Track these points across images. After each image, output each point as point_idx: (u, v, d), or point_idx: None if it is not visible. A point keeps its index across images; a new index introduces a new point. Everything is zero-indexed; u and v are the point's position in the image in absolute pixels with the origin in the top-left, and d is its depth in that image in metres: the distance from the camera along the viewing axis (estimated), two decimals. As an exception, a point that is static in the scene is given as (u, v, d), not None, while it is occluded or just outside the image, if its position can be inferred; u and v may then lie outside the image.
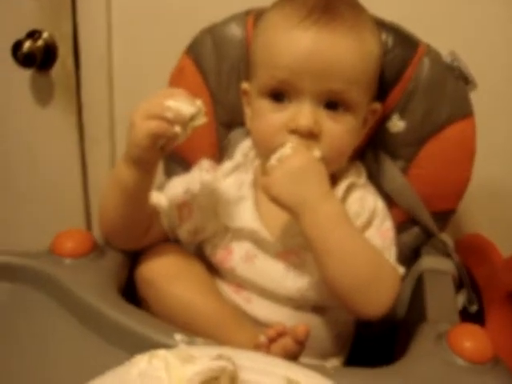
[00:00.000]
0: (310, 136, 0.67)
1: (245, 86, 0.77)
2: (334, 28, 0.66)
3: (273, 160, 0.66)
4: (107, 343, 0.59)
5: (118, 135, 1.25)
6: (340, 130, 0.69)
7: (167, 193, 0.78)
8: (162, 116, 0.62)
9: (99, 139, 1.26)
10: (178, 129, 0.62)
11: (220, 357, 0.50)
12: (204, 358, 0.50)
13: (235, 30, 0.84)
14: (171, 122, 0.62)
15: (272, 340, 0.61)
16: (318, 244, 0.65)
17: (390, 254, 0.74)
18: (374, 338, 0.87)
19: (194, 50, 0.86)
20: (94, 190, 1.34)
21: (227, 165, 0.80)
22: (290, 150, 0.65)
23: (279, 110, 0.69)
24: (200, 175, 0.78)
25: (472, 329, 0.62)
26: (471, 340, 0.59)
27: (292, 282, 0.73)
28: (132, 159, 0.65)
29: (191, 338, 0.57)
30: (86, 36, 1.16)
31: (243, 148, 0.81)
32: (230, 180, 0.78)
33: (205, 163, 0.81)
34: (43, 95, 1.25)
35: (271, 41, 0.70)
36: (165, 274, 0.72)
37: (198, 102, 0.64)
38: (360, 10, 0.72)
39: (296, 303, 0.74)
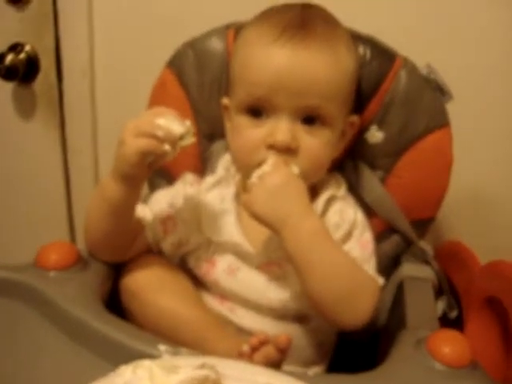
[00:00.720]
0: (288, 151, 0.69)
1: (225, 101, 0.78)
2: (308, 44, 0.67)
3: (253, 177, 0.67)
4: (92, 355, 0.59)
5: (101, 147, 1.26)
6: (317, 144, 0.70)
7: (152, 206, 0.79)
8: (153, 134, 0.63)
9: (82, 151, 1.26)
10: (167, 147, 0.63)
11: (203, 366, 0.51)
12: (187, 367, 0.51)
13: (216, 44, 0.86)
14: (161, 140, 0.63)
15: (254, 349, 0.62)
16: (299, 259, 0.67)
17: (370, 266, 0.75)
18: (356, 345, 0.88)
19: (175, 64, 0.87)
20: (77, 202, 1.34)
21: (209, 179, 0.81)
22: (270, 168, 0.67)
23: (257, 125, 0.70)
24: (184, 189, 0.79)
25: (450, 334, 0.63)
26: (450, 345, 0.61)
27: (274, 293, 0.74)
28: (120, 175, 0.66)
29: (175, 349, 0.58)
30: (68, 49, 1.17)
31: (224, 162, 0.82)
32: (213, 194, 0.79)
33: (188, 177, 0.82)
34: (26, 108, 1.26)
35: (248, 58, 0.71)
36: (149, 284, 0.72)
37: (188, 123, 0.66)
38: (334, 26, 0.74)
39: (278, 313, 0.75)
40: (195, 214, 0.77)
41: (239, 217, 0.77)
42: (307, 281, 0.67)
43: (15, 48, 1.18)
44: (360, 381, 0.59)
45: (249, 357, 0.62)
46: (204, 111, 0.86)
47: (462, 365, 0.60)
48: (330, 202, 0.77)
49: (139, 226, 0.75)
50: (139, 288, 0.72)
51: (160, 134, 0.63)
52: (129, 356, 0.54)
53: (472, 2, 0.94)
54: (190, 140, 0.65)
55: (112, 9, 1.11)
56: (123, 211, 0.70)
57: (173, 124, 0.64)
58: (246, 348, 0.62)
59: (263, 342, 0.62)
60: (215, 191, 0.79)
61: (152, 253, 0.78)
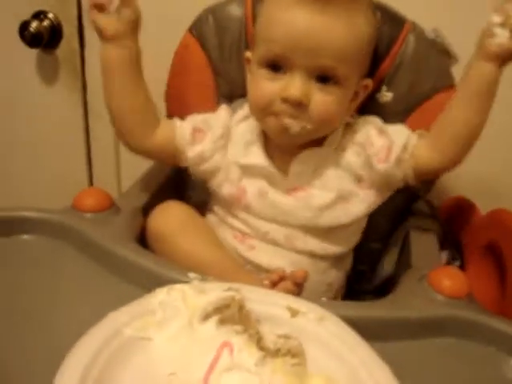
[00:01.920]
0: (300, 105, 0.74)
1: (248, 54, 0.83)
2: (327, 9, 0.71)
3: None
4: (129, 285, 0.65)
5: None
6: (329, 102, 0.75)
7: (187, 119, 0.86)
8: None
9: (102, 114, 1.30)
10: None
11: (229, 288, 0.58)
12: (215, 290, 0.57)
13: (235, 9, 0.90)
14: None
15: (274, 283, 0.69)
16: (486, 91, 0.73)
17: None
18: (366, 293, 0.95)
19: (196, 28, 0.91)
20: (97, 163, 1.40)
21: (240, 113, 0.87)
22: None
23: (275, 79, 0.75)
24: (219, 114, 0.87)
25: (450, 270, 0.70)
26: (449, 279, 0.68)
27: (301, 211, 0.81)
28: (102, 40, 0.77)
29: (203, 276, 0.64)
30: (91, 17, 1.22)
31: None
32: (243, 125, 0.86)
33: (224, 107, 0.88)
34: (49, 73, 1.30)
35: (271, 16, 0.76)
36: (172, 229, 0.79)
37: None
38: None
39: (302, 232, 0.82)
40: (224, 136, 0.85)
41: (266, 147, 0.83)
42: (481, 115, 0.74)
43: (38, 16, 1.22)
44: (368, 306, 0.65)
45: (269, 289, 0.69)
46: (224, 73, 0.91)
47: (460, 296, 0.66)
48: (348, 124, 0.83)
49: (151, 107, 0.84)
50: (164, 232, 0.78)
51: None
52: (162, 284, 0.60)
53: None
54: None
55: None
56: (124, 71, 0.79)
57: None
58: (266, 282, 0.69)
59: (282, 277, 0.69)
60: (244, 123, 0.86)
61: (175, 200, 0.85)
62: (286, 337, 0.54)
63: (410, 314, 0.64)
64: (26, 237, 0.71)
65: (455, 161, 0.79)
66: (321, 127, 0.77)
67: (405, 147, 0.79)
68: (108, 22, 0.75)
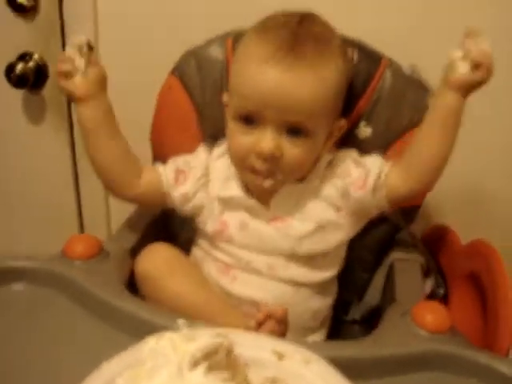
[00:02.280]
0: (272, 158, 0.77)
1: (225, 98, 0.86)
2: (296, 68, 0.74)
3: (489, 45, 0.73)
4: (118, 331, 0.67)
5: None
6: (300, 153, 0.78)
7: (169, 163, 0.90)
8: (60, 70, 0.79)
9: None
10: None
11: (218, 334, 0.59)
12: (204, 336, 0.59)
13: (216, 51, 0.93)
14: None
15: (260, 323, 0.71)
16: (451, 121, 0.77)
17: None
18: (354, 323, 0.97)
19: (179, 70, 0.94)
20: (86, 201, 1.41)
21: (217, 150, 0.91)
22: None
23: (248, 133, 0.79)
24: (198, 154, 0.91)
25: (432, 305, 0.72)
26: (431, 314, 0.70)
27: (282, 241, 0.84)
28: (73, 101, 0.81)
29: (192, 322, 0.65)
30: (75, 57, 1.24)
31: None
32: (221, 161, 0.89)
33: (202, 147, 0.92)
34: (35, 113, 1.31)
35: (243, 72, 0.79)
36: (159, 271, 0.80)
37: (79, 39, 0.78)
38: (326, 44, 0.79)
39: (286, 258, 0.85)
40: (205, 175, 0.88)
41: (244, 180, 0.86)
42: (447, 142, 0.78)
43: (24, 57, 1.24)
44: (352, 346, 0.67)
45: (255, 331, 0.70)
46: (207, 113, 0.93)
47: (443, 330, 0.68)
48: (330, 161, 0.87)
49: (131, 158, 0.88)
50: (151, 275, 0.80)
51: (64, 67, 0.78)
52: (151, 331, 0.61)
53: (454, 6, 1.01)
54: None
55: (116, 17, 1.17)
56: (100, 131, 0.83)
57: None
58: (252, 323, 0.71)
59: (268, 316, 0.71)
60: (222, 159, 0.89)
61: (161, 242, 0.86)
62: (274, 380, 0.56)
63: (393, 350, 0.66)
64: (16, 286, 0.72)
65: (425, 186, 0.84)
66: (292, 176, 0.82)
67: (379, 176, 0.82)
68: (77, 86, 0.79)
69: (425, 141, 0.79)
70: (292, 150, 0.77)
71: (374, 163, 0.84)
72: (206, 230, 0.88)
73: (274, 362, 0.60)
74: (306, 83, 0.75)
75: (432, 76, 0.89)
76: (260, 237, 0.85)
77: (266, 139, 0.76)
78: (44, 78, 1.27)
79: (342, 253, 0.91)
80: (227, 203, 0.87)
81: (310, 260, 0.85)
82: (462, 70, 0.74)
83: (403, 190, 0.82)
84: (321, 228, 0.84)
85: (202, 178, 0.88)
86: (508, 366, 0.64)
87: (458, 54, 0.74)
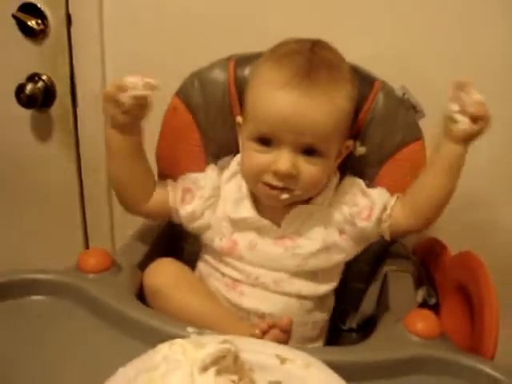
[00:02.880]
0: (290, 177, 0.82)
1: (239, 119, 0.91)
2: (310, 93, 0.79)
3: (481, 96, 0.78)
4: (130, 340, 0.72)
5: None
6: (315, 171, 0.83)
7: (180, 179, 0.95)
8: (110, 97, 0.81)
9: (96, 169, 1.39)
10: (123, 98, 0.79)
11: (225, 341, 0.64)
12: (212, 343, 0.64)
13: (218, 74, 0.98)
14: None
15: (264, 332, 0.76)
16: (456, 168, 0.83)
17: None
18: (350, 331, 1.02)
19: (183, 92, 0.99)
20: (91, 216, 1.46)
21: (226, 173, 0.95)
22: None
23: (265, 152, 0.83)
24: (207, 174, 0.95)
25: (423, 313, 0.77)
26: (422, 321, 0.75)
27: (289, 260, 0.89)
28: (111, 126, 0.84)
29: (200, 330, 0.71)
30: (82, 77, 1.28)
31: (237, 158, 0.95)
32: (232, 183, 0.93)
33: (212, 167, 0.96)
34: (43, 131, 1.37)
35: (260, 98, 0.84)
36: (167, 283, 0.85)
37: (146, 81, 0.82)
38: (337, 71, 0.85)
39: (291, 276, 0.90)
40: (214, 195, 0.92)
41: (255, 201, 0.91)
42: (449, 186, 0.84)
43: (33, 78, 1.29)
44: (349, 351, 0.72)
45: (260, 339, 0.75)
46: (210, 133, 0.98)
47: (433, 336, 0.74)
48: (337, 185, 0.92)
49: (151, 178, 0.92)
50: (159, 288, 0.85)
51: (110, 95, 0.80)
52: (164, 338, 0.66)
53: (440, 32, 1.07)
54: (142, 92, 0.80)
55: (122, 40, 1.23)
56: (128, 152, 0.86)
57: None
58: (257, 332, 0.76)
59: (271, 326, 0.76)
60: (233, 181, 0.93)
61: (168, 257, 0.91)
62: (277, 383, 0.61)
63: (387, 355, 0.71)
64: (35, 297, 0.78)
65: (426, 223, 0.90)
66: (308, 192, 0.87)
67: (384, 208, 0.88)
68: (118, 114, 0.82)
69: (427, 184, 0.86)
70: (308, 168, 0.83)
71: (380, 196, 0.90)
72: (213, 246, 0.93)
73: (277, 366, 0.65)
74: (321, 108, 0.80)
75: (421, 97, 0.95)
76: (268, 255, 0.89)
77: (282, 159, 0.81)
78: (52, 98, 1.32)
79: (342, 268, 0.96)
80: (238, 224, 0.91)
81: (312, 275, 0.91)
82: (463, 125, 0.78)
83: (404, 225, 0.88)
84: (326, 249, 0.90)
85: (211, 198, 0.92)
86: (493, 368, 0.69)
87: (455, 107, 0.79)
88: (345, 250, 0.91)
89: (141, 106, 0.80)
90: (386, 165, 0.95)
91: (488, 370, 0.69)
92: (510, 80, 1.08)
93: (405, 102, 0.95)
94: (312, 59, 0.83)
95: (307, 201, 0.90)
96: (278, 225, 0.90)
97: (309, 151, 0.82)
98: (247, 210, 0.90)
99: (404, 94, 0.96)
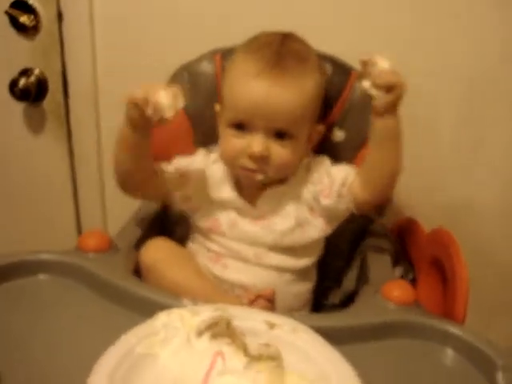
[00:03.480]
0: (262, 159, 0.89)
1: (217, 108, 0.98)
2: (280, 82, 0.87)
3: (388, 65, 0.80)
4: (130, 312, 0.77)
5: (106, 157, 1.42)
6: (285, 153, 0.90)
7: (173, 164, 1.00)
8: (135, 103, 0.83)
9: (88, 160, 1.44)
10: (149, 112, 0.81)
11: (218, 309, 0.71)
12: (206, 311, 0.70)
13: (206, 66, 1.04)
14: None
15: (251, 302, 0.83)
16: (395, 131, 0.86)
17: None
18: (333, 307, 1.08)
19: (173, 83, 1.04)
20: (84, 205, 1.50)
21: (212, 155, 1.02)
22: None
23: (240, 137, 0.90)
24: (196, 158, 1.01)
25: (399, 283, 0.85)
26: (398, 290, 0.82)
27: (266, 236, 0.95)
28: (128, 124, 0.87)
29: (194, 301, 0.77)
30: (74, 71, 1.33)
31: None
32: (215, 167, 1.00)
33: (201, 151, 1.03)
34: (36, 124, 1.41)
35: (234, 87, 0.91)
36: (160, 261, 0.91)
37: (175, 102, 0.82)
38: (305, 60, 0.91)
39: (270, 250, 0.96)
40: (203, 179, 0.99)
41: (236, 184, 0.98)
42: (392, 158, 0.88)
43: (26, 72, 1.33)
44: (332, 317, 0.79)
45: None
46: (199, 123, 1.04)
47: (408, 303, 0.81)
48: (308, 166, 0.98)
49: (154, 168, 0.96)
50: (154, 264, 0.91)
51: (140, 102, 0.81)
52: (161, 310, 0.72)
53: (415, 22, 1.14)
54: (170, 112, 0.81)
55: (113, 36, 1.28)
56: (138, 149, 0.90)
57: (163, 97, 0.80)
58: (245, 302, 0.83)
59: (257, 296, 0.83)
60: (217, 165, 1.00)
61: (161, 237, 0.97)
62: (266, 345, 0.67)
63: (366, 320, 0.78)
64: (41, 276, 0.83)
65: (381, 195, 0.95)
66: (281, 172, 0.94)
67: (343, 184, 0.94)
68: (137, 118, 0.84)
69: (372, 159, 0.91)
70: (279, 150, 0.90)
71: (338, 172, 0.96)
72: (200, 225, 1.00)
73: (266, 331, 0.71)
74: (290, 95, 0.87)
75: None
76: (247, 233, 0.96)
77: (255, 142, 0.88)
78: (44, 92, 1.36)
79: (321, 244, 1.02)
80: (220, 204, 0.98)
81: (290, 250, 0.97)
82: (379, 99, 0.82)
83: (362, 199, 0.93)
84: (299, 225, 0.96)
85: (201, 181, 0.99)
86: (462, 330, 0.76)
87: (367, 83, 0.82)
88: (317, 226, 0.98)
89: (161, 121, 0.83)
90: (362, 150, 1.01)
91: (458, 332, 0.76)
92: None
93: (380, 90, 1.01)
94: (281, 51, 0.90)
95: (282, 181, 0.97)
96: (255, 205, 0.97)
97: (280, 135, 0.89)
98: (228, 192, 0.97)
99: (379, 82, 1.02)
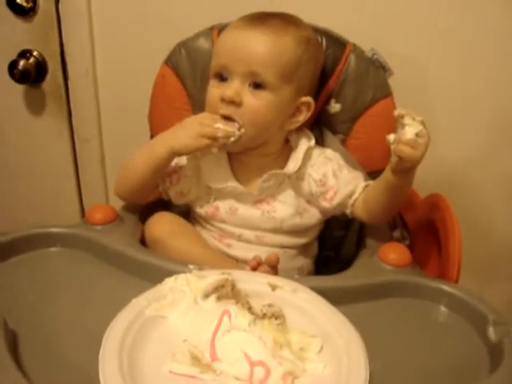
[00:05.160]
0: (233, 103, 0.90)
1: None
2: (259, 30, 0.90)
3: (412, 134, 0.81)
4: (138, 279, 0.81)
5: (105, 136, 1.46)
6: (258, 103, 0.91)
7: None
8: (215, 137, 0.88)
9: (88, 139, 1.46)
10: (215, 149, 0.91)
11: (223, 273, 0.74)
12: (212, 275, 0.74)
13: (203, 42, 1.06)
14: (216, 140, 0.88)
15: (254, 268, 0.86)
16: (404, 188, 0.90)
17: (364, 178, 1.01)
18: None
19: (171, 60, 1.07)
20: (85, 185, 1.54)
21: None
22: (422, 127, 0.81)
23: (219, 86, 0.93)
24: None
25: (395, 245, 0.88)
26: (394, 252, 0.86)
27: (266, 223, 0.98)
28: (173, 152, 0.91)
29: (200, 267, 0.80)
30: (72, 52, 1.36)
31: None
32: (210, 156, 0.99)
33: None
34: (36, 105, 1.44)
35: (221, 38, 0.96)
36: (165, 232, 0.95)
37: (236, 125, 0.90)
38: (289, 24, 0.93)
39: (269, 238, 0.99)
40: (196, 171, 1.01)
41: (233, 170, 0.99)
42: (394, 202, 0.92)
43: (24, 54, 1.36)
44: (331, 278, 0.83)
45: (251, 274, 0.85)
46: (197, 97, 1.06)
47: (404, 264, 0.84)
48: (308, 151, 0.99)
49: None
50: (159, 236, 0.94)
51: (220, 135, 0.88)
52: (167, 276, 0.76)
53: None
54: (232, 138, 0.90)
55: (110, 16, 1.30)
56: (163, 169, 0.95)
57: (227, 126, 0.89)
58: (247, 268, 0.86)
59: (260, 262, 0.86)
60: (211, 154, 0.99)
61: (166, 210, 1.01)
62: (270, 305, 0.71)
63: (364, 281, 0.82)
64: (52, 248, 0.87)
65: (380, 220, 0.99)
66: (254, 127, 0.92)
67: (349, 196, 0.97)
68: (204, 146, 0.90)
69: (375, 194, 0.94)
70: (251, 100, 0.91)
71: (347, 183, 0.97)
72: (200, 212, 1.02)
73: (269, 292, 0.75)
74: (265, 41, 0.90)
75: (390, 57, 1.04)
76: (247, 219, 0.98)
77: (229, 87, 0.91)
78: (44, 73, 1.39)
79: (320, 224, 1.05)
80: (218, 192, 0.99)
81: (291, 232, 1.00)
82: (392, 158, 0.84)
83: (359, 216, 0.98)
84: (298, 214, 0.99)
85: (194, 175, 1.01)
86: (454, 288, 0.80)
87: (391, 138, 0.84)
88: (315, 215, 1.01)
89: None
90: (359, 120, 1.04)
91: (451, 289, 0.80)
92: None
93: (374, 62, 1.03)
94: (269, 13, 0.95)
95: (265, 152, 0.98)
96: (254, 190, 0.98)
97: (256, 85, 0.91)
98: (225, 180, 0.98)
99: (373, 54, 1.04)
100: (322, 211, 1.01)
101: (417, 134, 0.80)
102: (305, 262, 1.04)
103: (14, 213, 1.59)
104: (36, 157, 1.51)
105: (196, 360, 0.63)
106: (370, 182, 0.98)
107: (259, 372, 0.62)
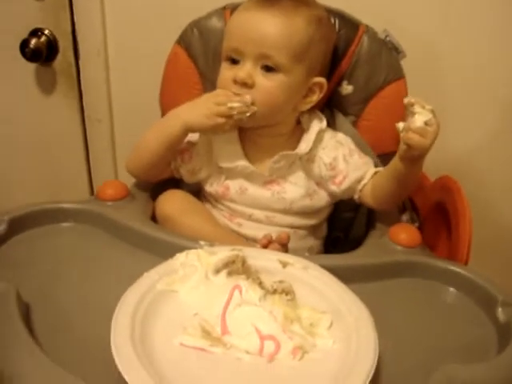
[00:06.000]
0: (245, 85, 0.91)
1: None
2: (270, 12, 0.90)
3: (421, 122, 0.81)
4: (149, 254, 0.81)
5: (116, 116, 1.46)
6: (270, 84, 0.91)
7: None
8: (230, 115, 0.90)
9: (99, 119, 1.47)
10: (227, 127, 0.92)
11: (234, 249, 0.75)
12: (223, 251, 0.74)
13: (215, 22, 1.06)
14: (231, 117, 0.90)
15: (264, 246, 0.86)
16: (413, 175, 0.91)
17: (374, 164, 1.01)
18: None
19: (184, 40, 1.07)
20: (95, 165, 1.55)
21: None
22: (431, 115, 0.82)
23: (232, 69, 0.93)
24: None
25: (405, 226, 0.89)
26: (404, 233, 0.86)
27: (276, 203, 0.98)
28: (187, 128, 0.92)
29: (211, 243, 0.81)
30: (84, 31, 1.35)
31: None
32: (222, 136, 1.00)
33: None
34: (47, 84, 1.44)
35: (232, 21, 0.96)
36: (176, 210, 0.96)
37: (246, 98, 0.90)
38: (301, 5, 0.93)
39: (281, 214, 0.99)
40: (208, 150, 1.01)
41: (244, 150, 0.99)
42: (401, 190, 0.93)
43: (36, 33, 1.36)
44: (341, 257, 0.83)
45: (261, 251, 0.86)
46: (209, 76, 1.06)
47: (414, 245, 0.85)
48: (320, 133, 0.99)
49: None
50: (170, 213, 0.95)
51: (235, 112, 0.89)
52: (179, 251, 0.76)
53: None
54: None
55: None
56: (177, 146, 0.96)
57: (241, 102, 0.90)
58: (258, 246, 0.86)
59: (270, 240, 0.86)
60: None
61: (177, 188, 1.02)
62: (280, 281, 0.71)
63: (374, 261, 0.82)
64: (64, 224, 0.88)
65: (388, 206, 0.99)
66: (266, 107, 0.92)
67: (358, 181, 0.98)
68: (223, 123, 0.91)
69: (383, 182, 0.94)
70: (263, 81, 0.91)
71: (357, 168, 0.98)
72: (210, 191, 1.02)
73: (279, 269, 0.76)
74: (277, 23, 0.90)
75: (403, 39, 1.04)
76: (257, 199, 0.99)
77: (241, 69, 0.91)
78: (55, 52, 1.39)
79: (330, 205, 1.05)
80: (229, 171, 0.99)
81: (301, 213, 1.00)
82: (402, 148, 0.84)
83: (367, 202, 0.99)
84: (308, 195, 0.99)
85: (206, 153, 1.01)
86: (463, 269, 0.80)
87: (401, 125, 0.84)
88: (324, 198, 1.01)
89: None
90: (371, 102, 1.04)
91: (460, 270, 0.80)
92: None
93: (387, 43, 1.03)
94: None
95: (277, 132, 0.99)
96: (265, 171, 0.98)
97: (268, 68, 0.91)
98: (236, 159, 0.98)
99: (386, 36, 1.03)
100: (331, 194, 1.01)
101: (426, 123, 0.81)
102: (314, 243, 1.04)
103: (25, 190, 1.59)
104: (47, 135, 1.51)
105: (206, 333, 0.64)
106: (380, 169, 0.99)
107: (269, 346, 0.63)
